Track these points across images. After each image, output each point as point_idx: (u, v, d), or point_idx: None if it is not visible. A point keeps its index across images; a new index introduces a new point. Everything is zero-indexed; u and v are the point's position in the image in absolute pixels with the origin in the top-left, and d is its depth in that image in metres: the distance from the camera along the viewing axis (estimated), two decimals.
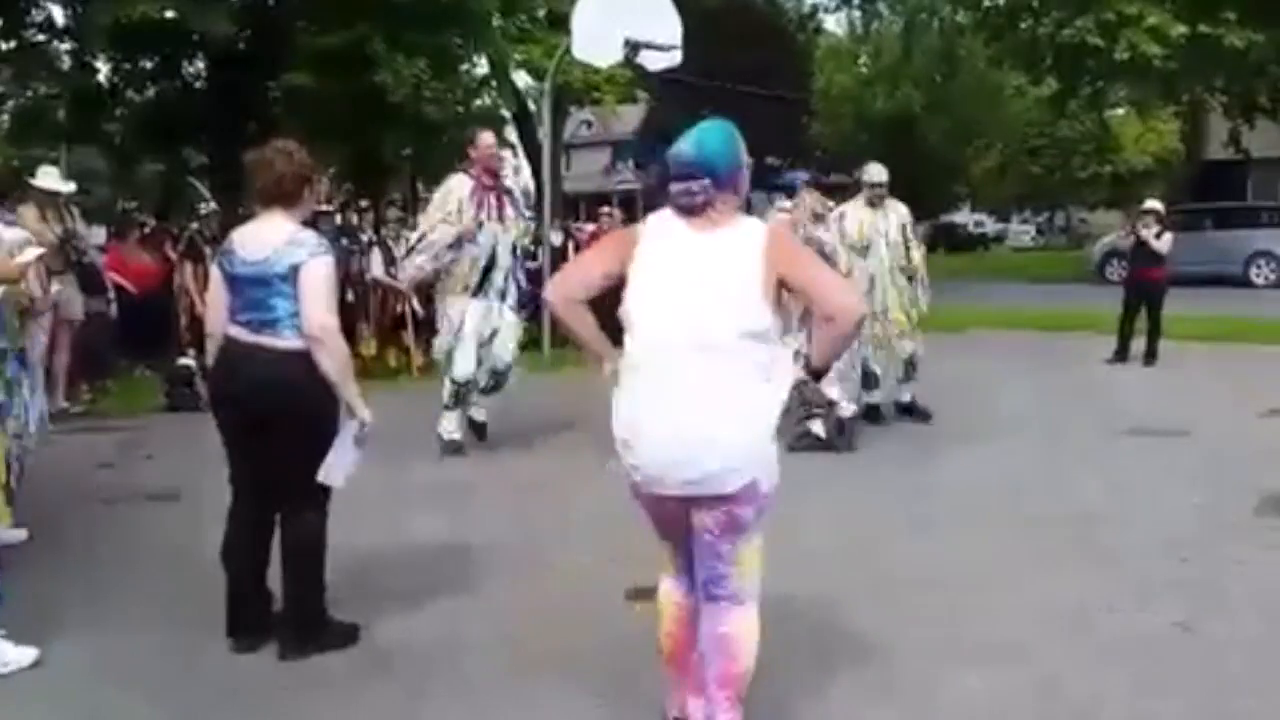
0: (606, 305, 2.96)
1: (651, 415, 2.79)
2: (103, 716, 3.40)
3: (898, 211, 7.58)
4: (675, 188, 2.87)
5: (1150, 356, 10.17)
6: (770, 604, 3.00)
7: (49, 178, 8.39)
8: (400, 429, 6.49)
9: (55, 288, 4.97)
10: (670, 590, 3.04)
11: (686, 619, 2.98)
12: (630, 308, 2.86)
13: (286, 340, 3.58)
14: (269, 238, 3.63)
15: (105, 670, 3.66)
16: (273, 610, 3.83)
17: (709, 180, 2.83)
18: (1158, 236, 10.29)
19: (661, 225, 2.93)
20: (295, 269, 3.55)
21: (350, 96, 15.23)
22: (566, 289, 3.00)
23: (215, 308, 3.79)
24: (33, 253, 4.90)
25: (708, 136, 2.90)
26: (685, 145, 2.89)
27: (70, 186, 8.70)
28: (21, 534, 4.84)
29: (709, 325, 2.74)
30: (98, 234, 10.05)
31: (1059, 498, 5.53)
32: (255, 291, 3.60)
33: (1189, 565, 4.51)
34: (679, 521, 2.89)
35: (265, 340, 3.60)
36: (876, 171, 7.59)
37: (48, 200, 8.21)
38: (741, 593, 2.88)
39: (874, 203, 7.50)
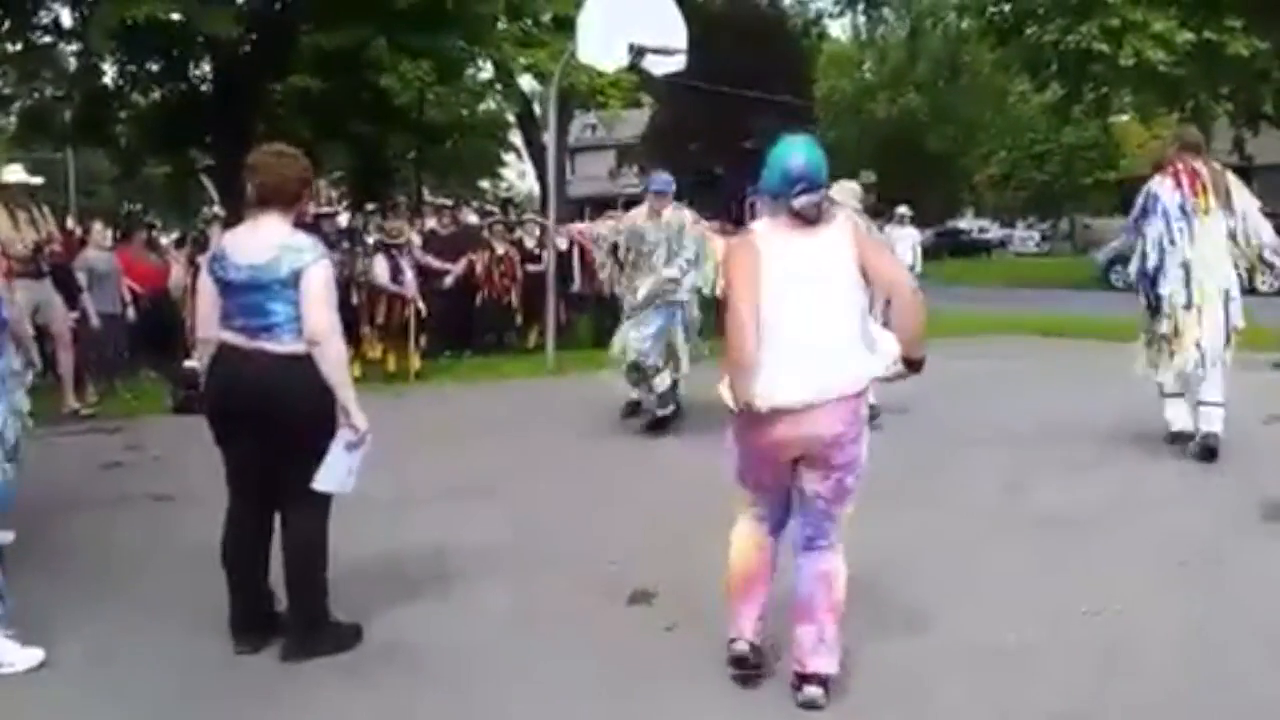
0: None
1: (788, 383, 3.21)
2: (102, 716, 3.41)
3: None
4: (802, 201, 3.29)
5: None
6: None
7: (15, 174, 8.11)
8: (400, 431, 6.51)
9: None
10: (752, 531, 3.50)
11: (763, 558, 3.48)
12: (765, 308, 3.27)
13: (285, 345, 3.59)
14: (264, 241, 3.63)
15: (106, 670, 3.67)
16: (276, 611, 3.85)
17: (824, 189, 3.34)
18: None
19: (776, 238, 3.34)
20: (297, 274, 3.56)
21: (355, 99, 15.28)
22: (747, 308, 3.30)
23: (206, 313, 3.77)
24: None
25: (813, 152, 3.36)
26: (802, 162, 3.32)
27: (37, 180, 8.33)
28: (9, 536, 4.81)
29: (834, 313, 3.27)
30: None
31: (1061, 501, 5.54)
32: (251, 296, 3.59)
33: (1192, 569, 4.51)
34: (780, 484, 3.41)
35: (264, 345, 3.60)
36: (662, 181, 7.70)
37: (18, 204, 7.93)
38: (838, 539, 3.44)
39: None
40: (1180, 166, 6.33)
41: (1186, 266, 6.25)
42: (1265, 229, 6.38)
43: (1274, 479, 5.82)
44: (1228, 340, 6.33)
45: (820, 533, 3.39)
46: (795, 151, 3.36)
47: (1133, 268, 6.66)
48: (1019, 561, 4.67)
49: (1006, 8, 23.50)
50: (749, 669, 3.45)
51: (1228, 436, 6.47)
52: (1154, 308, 6.44)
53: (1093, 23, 19.78)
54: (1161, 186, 6.36)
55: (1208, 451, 6.22)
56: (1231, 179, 6.39)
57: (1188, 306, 6.26)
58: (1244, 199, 6.35)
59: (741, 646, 3.45)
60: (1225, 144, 23.93)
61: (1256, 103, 22.56)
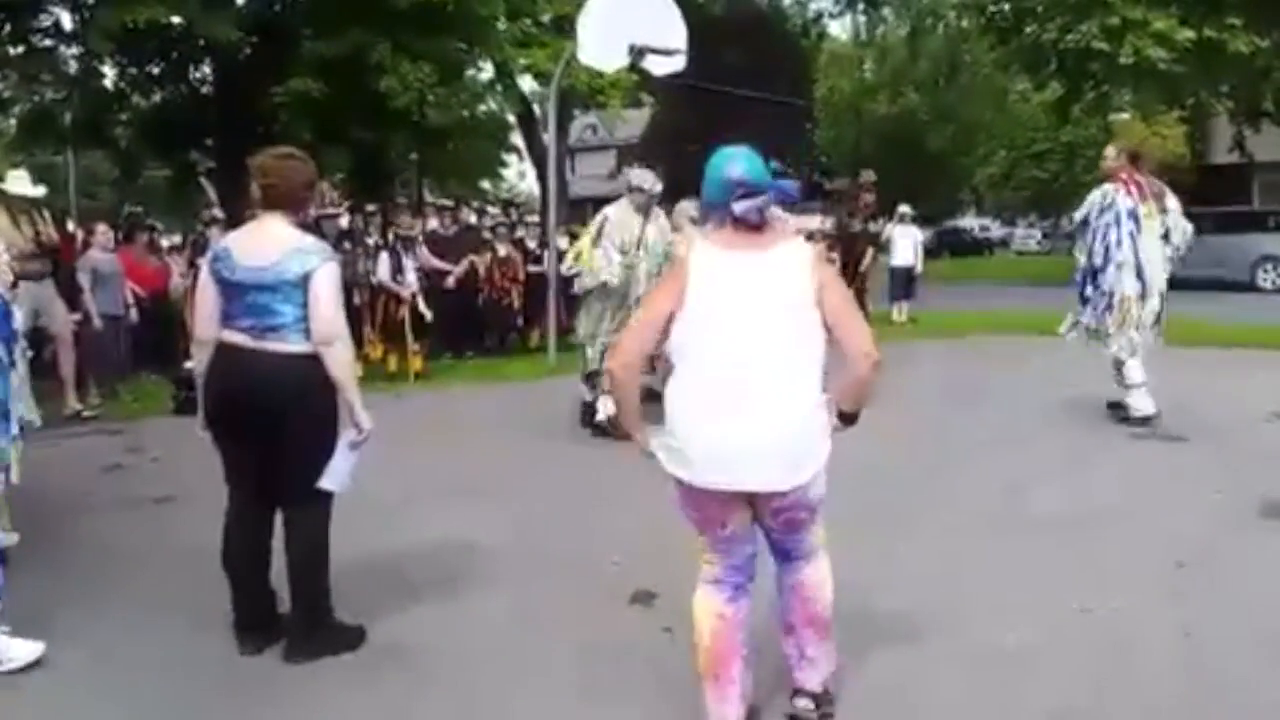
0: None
1: (722, 422, 2.89)
2: (104, 715, 3.42)
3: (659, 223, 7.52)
4: (742, 205, 3.00)
5: None
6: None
7: (19, 182, 8.11)
8: (401, 431, 6.52)
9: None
10: (708, 599, 3.12)
11: (727, 630, 3.09)
12: (693, 331, 2.96)
13: (292, 344, 3.60)
14: (272, 242, 3.65)
15: (108, 669, 3.69)
16: (278, 611, 3.86)
17: (765, 196, 3.03)
18: None
19: (709, 253, 3.04)
20: (307, 276, 3.58)
21: (355, 102, 15.28)
22: (625, 357, 3.07)
23: (206, 314, 3.75)
24: None
25: (753, 162, 3.11)
26: (740, 168, 3.07)
27: (40, 190, 8.28)
28: (13, 538, 4.82)
29: (773, 337, 2.92)
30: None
31: (1061, 500, 5.54)
32: (258, 297, 3.60)
33: (1192, 568, 4.51)
34: (739, 522, 3.04)
35: (271, 345, 3.61)
36: (641, 178, 7.60)
37: (19, 208, 7.80)
38: (815, 548, 3.18)
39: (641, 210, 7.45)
40: (1127, 177, 7.27)
41: (1139, 264, 7.16)
42: (1187, 228, 7.39)
43: (1274, 478, 5.82)
44: (1155, 322, 7.31)
45: (794, 547, 3.15)
46: (733, 160, 3.09)
47: (1081, 263, 7.46)
48: (1018, 561, 4.67)
49: (1006, 7, 23.55)
50: None
51: (1228, 436, 6.48)
52: (1092, 301, 7.33)
53: (1093, 21, 19.81)
54: (1119, 194, 7.23)
55: (1117, 407, 7.36)
56: (1163, 186, 7.40)
57: (1142, 298, 7.18)
58: (1172, 203, 7.36)
59: None
60: (1226, 142, 23.98)
61: (1257, 100, 22.58)
